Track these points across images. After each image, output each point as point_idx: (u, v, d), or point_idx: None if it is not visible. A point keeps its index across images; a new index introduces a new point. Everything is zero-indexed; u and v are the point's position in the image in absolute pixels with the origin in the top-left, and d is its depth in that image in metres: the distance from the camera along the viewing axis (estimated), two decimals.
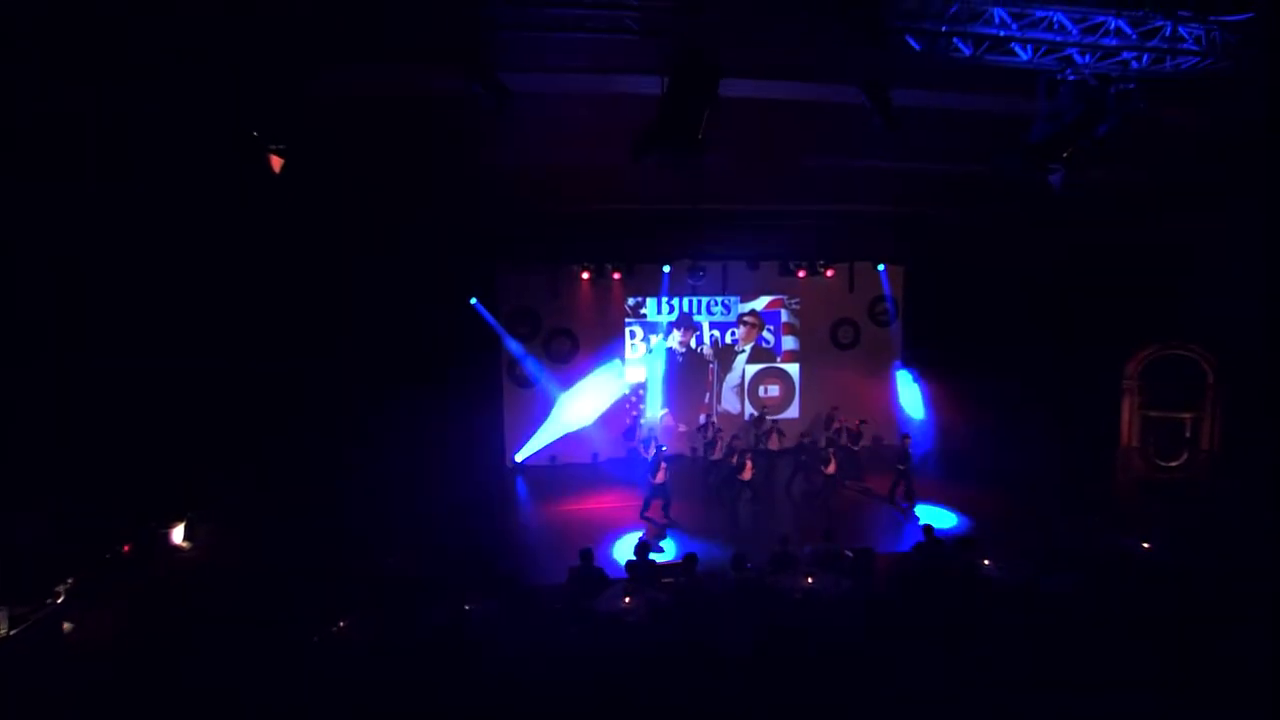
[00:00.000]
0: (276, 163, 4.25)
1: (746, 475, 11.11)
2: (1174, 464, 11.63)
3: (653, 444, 12.39)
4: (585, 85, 6.24)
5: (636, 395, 15.04)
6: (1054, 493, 11.10)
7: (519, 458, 14.48)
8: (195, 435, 10.32)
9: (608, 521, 11.28)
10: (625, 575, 7.34)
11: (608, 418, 14.76)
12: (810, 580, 6.77)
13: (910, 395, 14.92)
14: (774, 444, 13.41)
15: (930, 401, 14.25)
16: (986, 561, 6.95)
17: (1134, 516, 9.80)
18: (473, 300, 13.68)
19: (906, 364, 15.25)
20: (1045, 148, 4.28)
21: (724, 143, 8.84)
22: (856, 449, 12.97)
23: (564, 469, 14.36)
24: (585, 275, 14.09)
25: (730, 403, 15.43)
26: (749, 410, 15.31)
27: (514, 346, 14.22)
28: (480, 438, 14.04)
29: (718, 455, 12.31)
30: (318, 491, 10.74)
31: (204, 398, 10.43)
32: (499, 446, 14.39)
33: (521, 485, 13.70)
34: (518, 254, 13.66)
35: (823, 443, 12.81)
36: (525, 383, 14.48)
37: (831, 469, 11.29)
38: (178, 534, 9.81)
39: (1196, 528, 8.66)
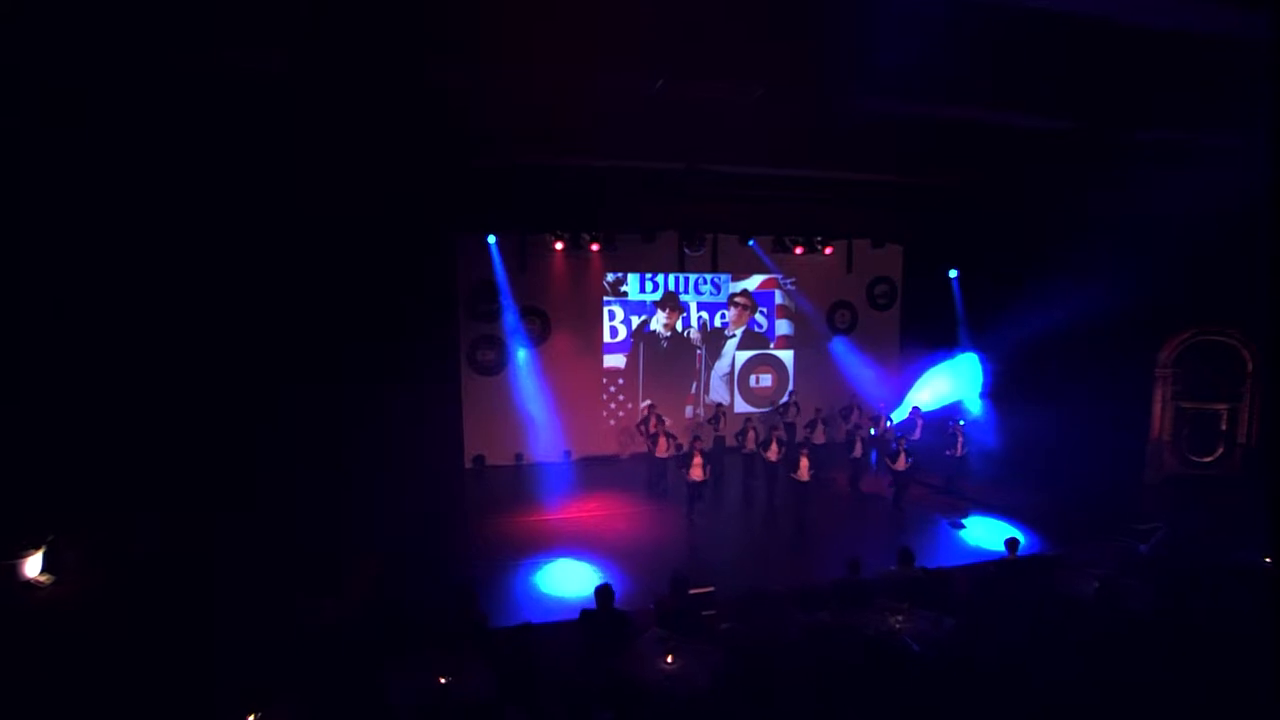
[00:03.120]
0: None
1: (803, 475, 9.44)
2: (1208, 460, 10.75)
3: (665, 435, 10.84)
4: None
5: (616, 385, 13.24)
6: (1096, 491, 10.07)
7: (481, 456, 12.43)
8: (63, 430, 7.91)
9: (595, 534, 9.47)
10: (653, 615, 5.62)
11: (583, 410, 12.92)
12: (899, 620, 5.19)
13: (969, 382, 13.34)
14: (820, 437, 11.63)
15: (989, 388, 12.74)
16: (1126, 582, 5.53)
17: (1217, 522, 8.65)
18: (428, 270, 11.51)
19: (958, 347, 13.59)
20: None
21: (762, 67, 7.32)
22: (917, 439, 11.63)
23: (532, 469, 12.45)
24: (559, 246, 12.09)
25: (719, 393, 13.83)
26: (735, 400, 13.78)
27: (476, 328, 12.19)
28: (436, 434, 11.90)
29: (750, 447, 10.78)
30: (227, 507, 8.47)
31: (73, 379, 8.02)
32: (457, 444, 12.28)
33: (485, 490, 11.69)
34: (479, 217, 11.60)
35: (841, 436, 11.43)
36: (488, 370, 12.44)
37: (901, 464, 9.91)
38: (32, 565, 7.39)
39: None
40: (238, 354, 9.65)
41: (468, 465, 12.34)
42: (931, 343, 13.66)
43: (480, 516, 10.66)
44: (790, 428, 12.30)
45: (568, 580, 8.01)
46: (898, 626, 5.16)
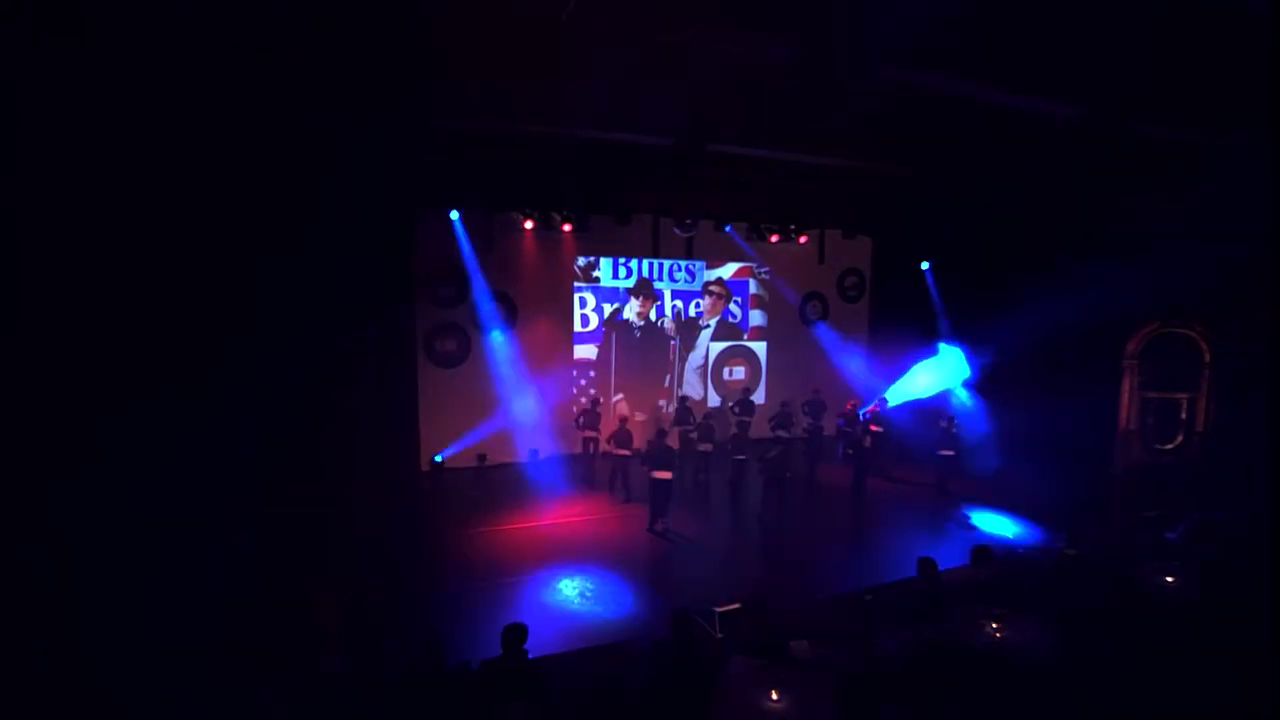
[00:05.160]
0: None
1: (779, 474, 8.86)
2: (1169, 447, 11.18)
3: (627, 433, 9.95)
4: None
5: (585, 378, 12.30)
6: (1076, 480, 10.21)
7: (439, 458, 11.13)
8: None
9: (584, 543, 8.54)
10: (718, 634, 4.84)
11: (552, 405, 11.88)
12: (997, 629, 4.66)
13: (953, 375, 13.09)
14: (785, 433, 11.13)
15: (976, 380, 12.64)
16: None
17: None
18: (381, 246, 10.13)
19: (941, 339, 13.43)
20: None
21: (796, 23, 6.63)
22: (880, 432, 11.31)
23: (497, 470, 11.30)
24: (528, 225, 11.01)
25: (693, 386, 13.17)
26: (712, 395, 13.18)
27: (434, 314, 10.90)
28: (390, 433, 10.53)
29: (707, 447, 10.12)
30: (139, 523, 6.86)
31: None
32: (413, 444, 10.95)
33: (446, 495, 10.44)
34: (441, 189, 10.31)
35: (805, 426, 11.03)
36: (448, 361, 11.17)
37: (867, 442, 9.75)
38: None
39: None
40: (144, 339, 7.96)
41: (425, 468, 11.03)
42: (901, 335, 13.60)
43: (446, 526, 9.46)
44: (744, 425, 11.69)
45: (568, 599, 7.07)
46: (999, 636, 4.65)
